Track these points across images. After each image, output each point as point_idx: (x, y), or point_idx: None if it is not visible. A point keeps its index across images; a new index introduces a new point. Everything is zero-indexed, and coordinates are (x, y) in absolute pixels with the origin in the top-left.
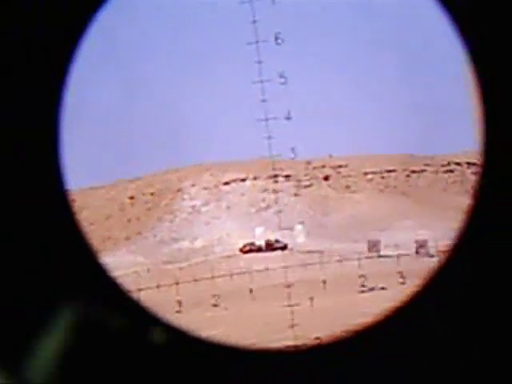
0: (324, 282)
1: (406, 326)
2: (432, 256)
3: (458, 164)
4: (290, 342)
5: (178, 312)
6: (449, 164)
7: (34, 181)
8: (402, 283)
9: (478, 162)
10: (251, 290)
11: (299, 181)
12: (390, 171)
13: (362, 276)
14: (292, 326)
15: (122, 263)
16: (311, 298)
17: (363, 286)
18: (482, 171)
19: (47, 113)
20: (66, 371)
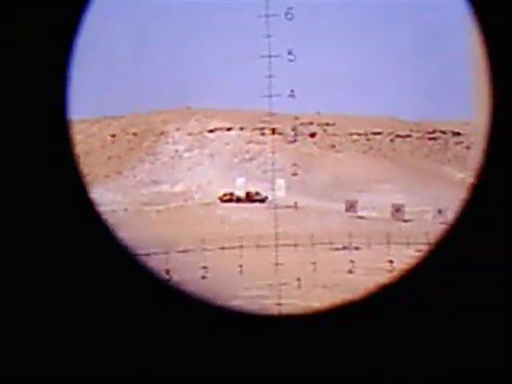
0: (301, 237)
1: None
2: (406, 221)
3: (443, 132)
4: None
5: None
6: (434, 131)
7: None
8: (378, 244)
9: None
10: (228, 239)
11: (285, 135)
12: (375, 133)
13: (336, 234)
14: (263, 277)
15: (101, 200)
16: (288, 248)
17: (337, 244)
18: (486, 154)
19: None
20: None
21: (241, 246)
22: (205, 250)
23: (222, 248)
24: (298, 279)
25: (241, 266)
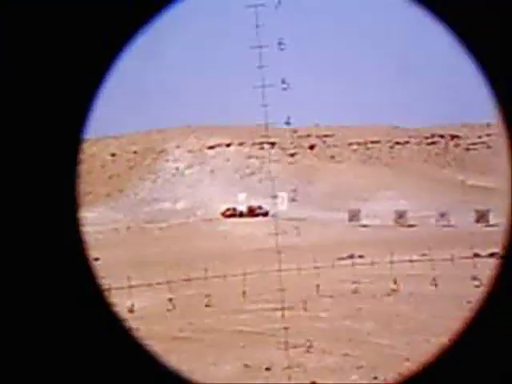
0: (305, 248)
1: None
2: (410, 226)
3: (441, 136)
4: (278, 305)
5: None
6: (432, 136)
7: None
8: (383, 253)
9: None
10: (231, 253)
11: (284, 149)
12: (374, 142)
13: (341, 244)
14: (269, 290)
15: (102, 219)
16: (292, 261)
17: (342, 253)
18: None
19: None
20: None
21: (243, 261)
22: (207, 272)
23: (227, 261)
24: (303, 283)
25: (244, 273)
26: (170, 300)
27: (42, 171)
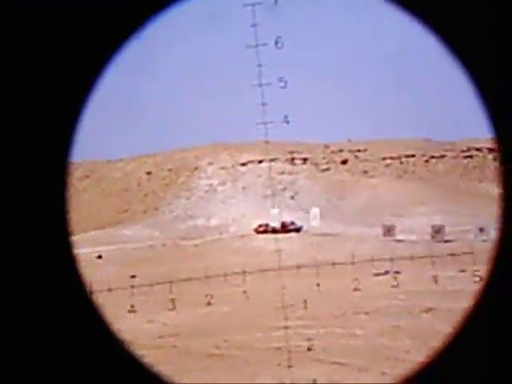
0: (340, 265)
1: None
2: (447, 241)
3: (478, 150)
4: (313, 321)
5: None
6: (469, 150)
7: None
8: (420, 268)
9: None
10: (265, 268)
11: (317, 164)
12: (408, 156)
13: (376, 259)
14: (305, 307)
15: (139, 236)
16: (326, 276)
17: (378, 269)
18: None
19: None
20: None
21: (279, 275)
22: (238, 286)
23: (262, 272)
24: (340, 299)
25: (283, 287)
26: (205, 315)
27: (29, 193)
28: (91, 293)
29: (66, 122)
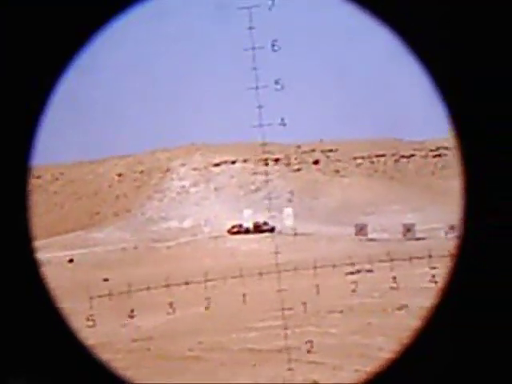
0: (313, 264)
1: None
2: (418, 239)
3: (446, 148)
4: (286, 321)
5: (166, 286)
6: (438, 149)
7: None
8: (392, 267)
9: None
10: (239, 270)
11: (289, 164)
12: (379, 156)
13: (349, 258)
14: (280, 307)
15: (110, 239)
16: (299, 276)
17: (351, 267)
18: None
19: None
20: None
21: (249, 275)
22: (208, 280)
23: (231, 278)
24: (304, 303)
25: (244, 295)
26: (177, 318)
27: None
28: (55, 298)
29: (25, 125)
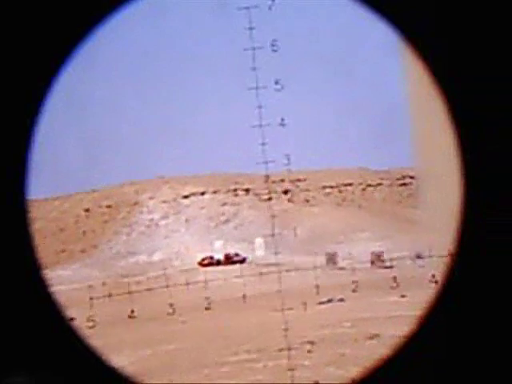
0: (286, 294)
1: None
2: (387, 267)
3: (411, 177)
4: (260, 355)
5: (130, 317)
6: (403, 177)
7: None
8: (362, 295)
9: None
10: (209, 303)
11: (259, 195)
12: (346, 185)
13: (319, 288)
14: (250, 340)
15: (77, 276)
16: (272, 308)
17: (322, 297)
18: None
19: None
20: None
21: (219, 309)
22: (184, 322)
23: (205, 309)
24: (285, 330)
25: (219, 335)
26: (150, 356)
27: None
28: (59, 304)
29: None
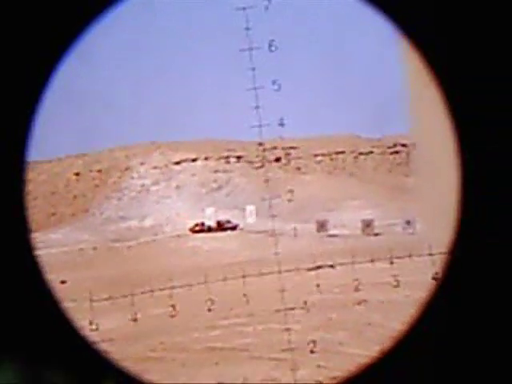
0: (276, 260)
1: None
2: (377, 235)
3: (403, 145)
4: (249, 319)
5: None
6: (395, 145)
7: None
8: (352, 262)
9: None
10: (204, 270)
11: (251, 162)
12: (338, 153)
13: (310, 255)
14: (247, 301)
15: (68, 240)
16: (263, 274)
17: (312, 263)
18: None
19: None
20: None
21: (213, 276)
22: (173, 287)
23: (199, 282)
24: (275, 302)
25: (210, 300)
26: (135, 320)
27: None
28: (56, 295)
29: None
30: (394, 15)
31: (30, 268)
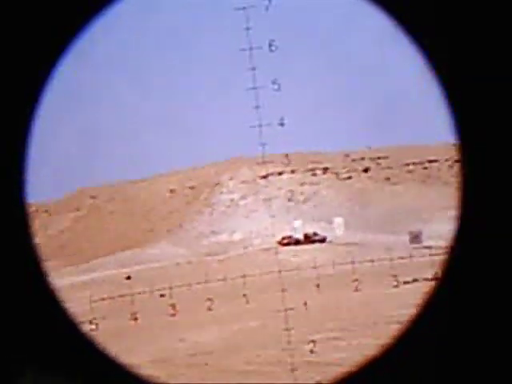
0: (361, 275)
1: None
2: (426, 247)
3: None
4: (336, 334)
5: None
6: None
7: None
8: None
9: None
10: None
11: (338, 173)
12: (431, 161)
13: (405, 267)
14: (336, 317)
15: (165, 255)
16: (355, 288)
17: (407, 276)
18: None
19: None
20: None
21: (303, 287)
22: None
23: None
24: (358, 316)
25: (305, 303)
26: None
27: None
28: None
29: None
30: (396, 14)
31: (34, 272)
